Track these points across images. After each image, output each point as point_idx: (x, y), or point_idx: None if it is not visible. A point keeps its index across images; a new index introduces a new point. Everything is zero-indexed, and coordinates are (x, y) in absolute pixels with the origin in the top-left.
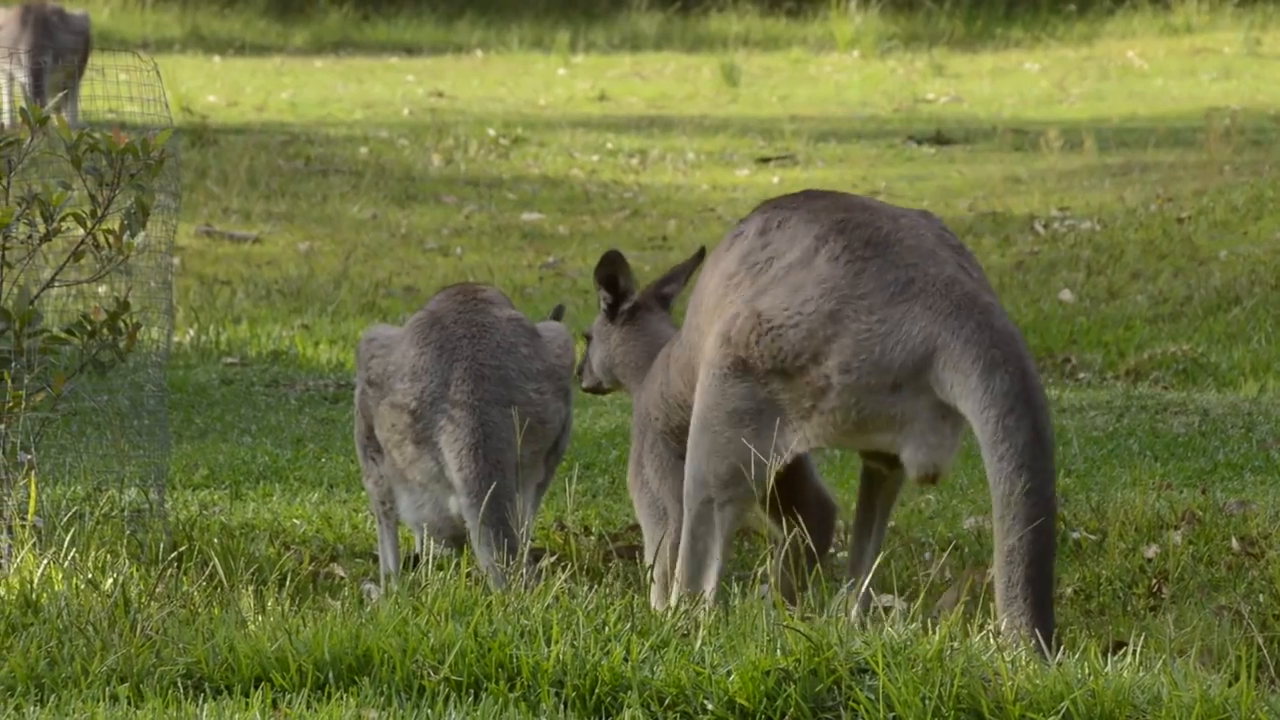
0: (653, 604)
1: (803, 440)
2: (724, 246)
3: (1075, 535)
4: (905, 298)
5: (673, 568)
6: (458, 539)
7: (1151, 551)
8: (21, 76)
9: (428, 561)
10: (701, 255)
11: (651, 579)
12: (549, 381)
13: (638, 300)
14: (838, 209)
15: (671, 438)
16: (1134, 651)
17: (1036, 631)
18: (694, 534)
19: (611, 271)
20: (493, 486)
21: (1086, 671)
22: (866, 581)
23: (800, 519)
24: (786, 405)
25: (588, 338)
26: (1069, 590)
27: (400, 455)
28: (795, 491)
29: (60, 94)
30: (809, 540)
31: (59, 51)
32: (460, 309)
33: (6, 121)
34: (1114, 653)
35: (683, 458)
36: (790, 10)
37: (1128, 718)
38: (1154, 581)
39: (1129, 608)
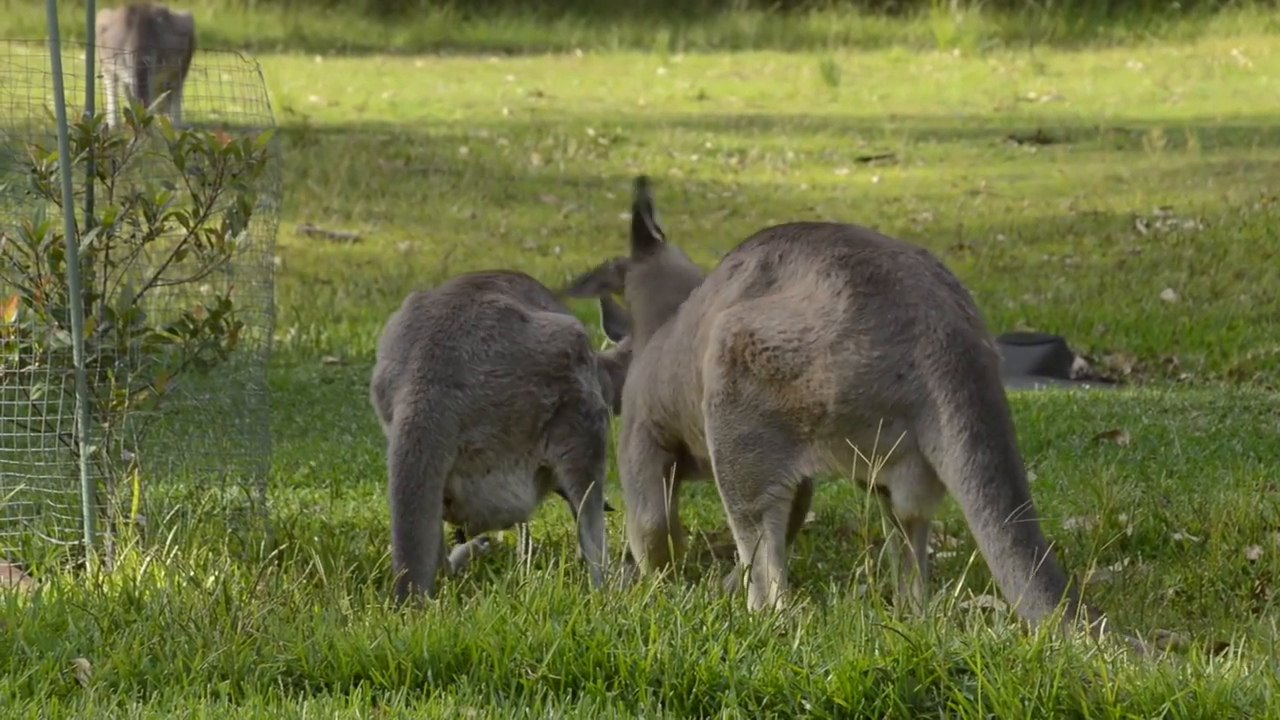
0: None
1: (806, 463)
2: (723, 275)
3: (1177, 536)
4: (906, 338)
5: (637, 547)
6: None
7: (1255, 553)
8: (126, 77)
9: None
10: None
11: (741, 582)
12: (511, 364)
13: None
14: (838, 243)
15: (654, 428)
16: (1236, 653)
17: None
18: (747, 542)
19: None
20: (404, 465)
21: (1188, 673)
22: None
23: None
24: (786, 426)
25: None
26: (1171, 592)
27: (387, 431)
28: None
29: (164, 94)
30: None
31: (163, 52)
32: (450, 291)
33: (111, 122)
34: (1216, 654)
35: (665, 448)
36: (891, 9)
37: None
38: (1257, 583)
39: (1231, 609)
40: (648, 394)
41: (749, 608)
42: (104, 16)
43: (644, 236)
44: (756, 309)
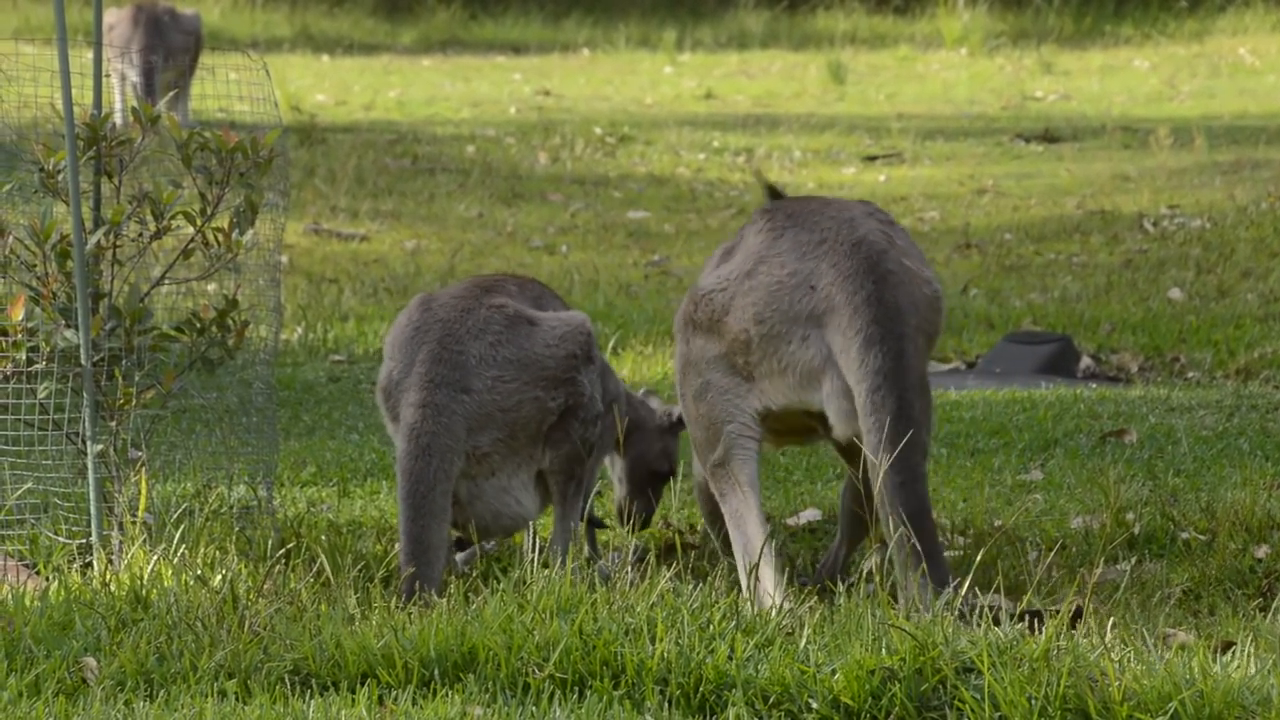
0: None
1: (759, 397)
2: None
3: (1184, 535)
4: (815, 255)
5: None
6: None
7: (1262, 552)
8: (133, 76)
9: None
10: None
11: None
12: (519, 370)
13: None
14: (782, 202)
15: None
16: (1243, 652)
17: (931, 583)
18: (721, 493)
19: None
20: (414, 470)
21: (1195, 672)
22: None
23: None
24: (729, 367)
25: None
26: (1178, 590)
27: (392, 432)
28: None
29: (171, 93)
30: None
31: (170, 51)
32: (458, 293)
33: (119, 120)
34: (1223, 653)
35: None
36: (898, 8)
37: (1236, 719)
38: (1264, 582)
39: (1238, 608)
40: None
41: (737, 557)
42: (111, 15)
43: None
44: (710, 271)
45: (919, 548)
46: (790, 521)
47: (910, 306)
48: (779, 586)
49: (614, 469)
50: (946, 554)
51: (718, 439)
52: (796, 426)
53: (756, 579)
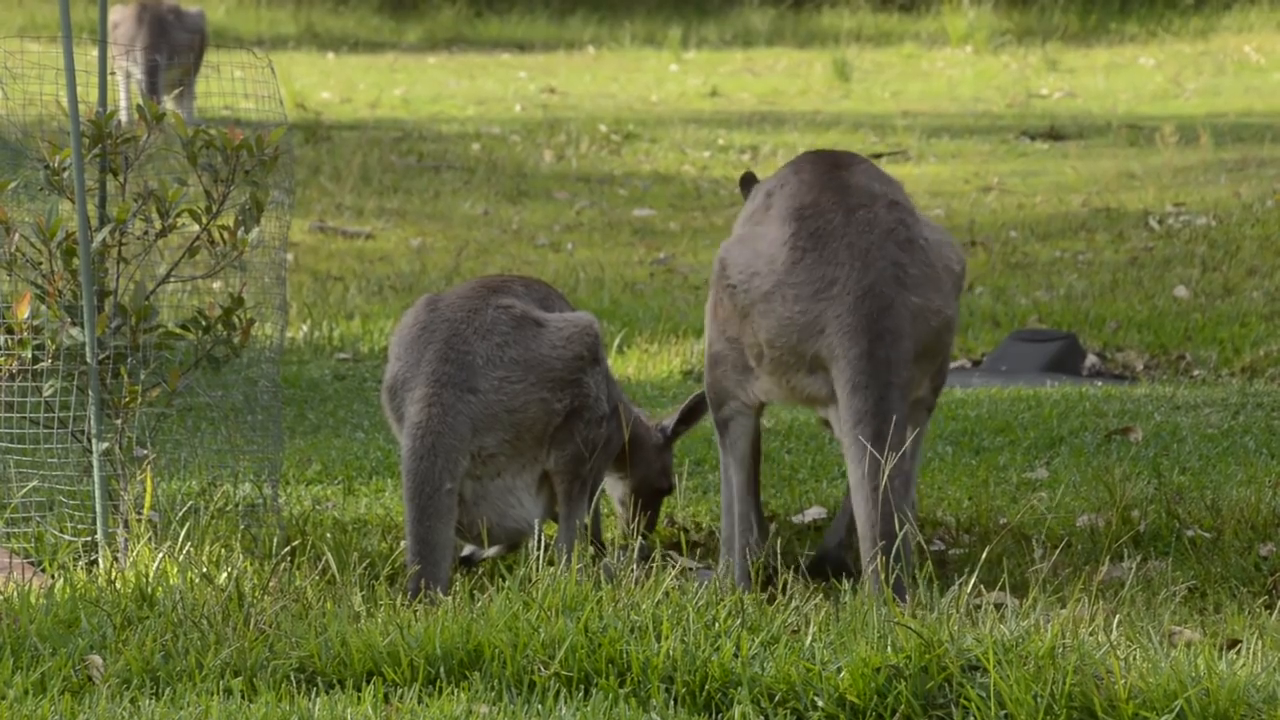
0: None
1: (763, 392)
2: (754, 192)
3: (1190, 533)
4: (825, 298)
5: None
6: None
7: (1267, 549)
8: (138, 74)
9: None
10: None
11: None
12: (526, 370)
13: None
14: (815, 188)
15: None
16: (1249, 650)
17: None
18: (722, 460)
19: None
20: (420, 469)
21: (1201, 670)
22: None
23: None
24: (741, 354)
25: None
26: (1183, 588)
27: (396, 432)
28: None
29: (176, 91)
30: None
31: (174, 49)
32: (462, 294)
33: (124, 118)
34: (1229, 651)
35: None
36: (903, 5)
37: (1242, 716)
38: (1270, 579)
39: (1244, 606)
40: None
41: (723, 507)
42: (115, 13)
43: None
44: (740, 240)
45: (885, 561)
46: (795, 519)
47: (905, 359)
48: (744, 566)
49: (614, 490)
50: (951, 552)
51: (721, 405)
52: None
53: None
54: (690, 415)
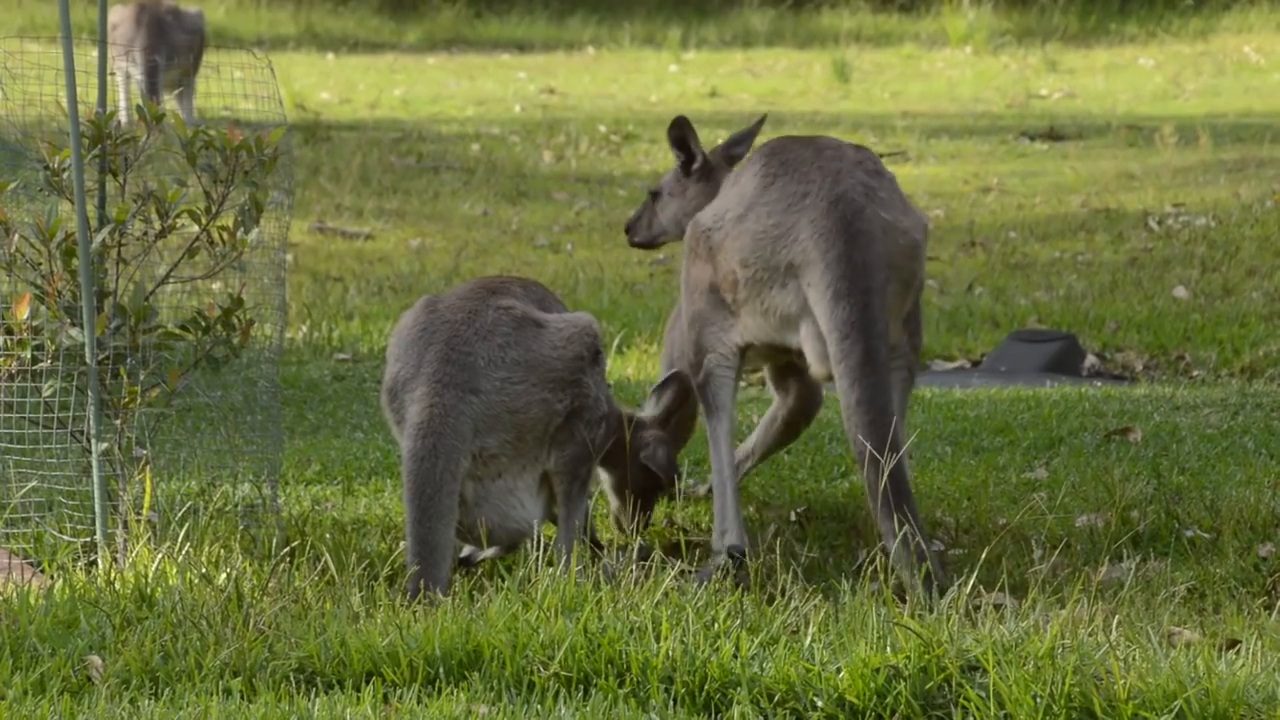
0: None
1: (740, 333)
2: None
3: (1189, 534)
4: (798, 209)
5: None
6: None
7: (1266, 550)
8: (137, 75)
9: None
10: (763, 120)
11: None
12: (527, 371)
13: (709, 159)
14: (783, 141)
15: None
16: (1248, 650)
17: (904, 520)
18: (705, 411)
19: (681, 134)
20: (421, 470)
21: (1200, 670)
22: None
23: (790, 398)
24: (719, 301)
25: (655, 195)
26: (1183, 589)
27: (396, 434)
28: (793, 376)
29: (175, 91)
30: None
31: (173, 50)
32: (462, 296)
33: (123, 119)
34: (1228, 651)
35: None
36: (903, 6)
37: (1242, 717)
38: (1269, 580)
39: (1243, 606)
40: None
41: (713, 471)
42: (114, 14)
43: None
44: (714, 206)
45: (891, 490)
46: (793, 517)
47: (881, 263)
48: (737, 518)
49: (608, 484)
50: (951, 552)
51: (701, 364)
52: (777, 359)
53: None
54: (668, 395)
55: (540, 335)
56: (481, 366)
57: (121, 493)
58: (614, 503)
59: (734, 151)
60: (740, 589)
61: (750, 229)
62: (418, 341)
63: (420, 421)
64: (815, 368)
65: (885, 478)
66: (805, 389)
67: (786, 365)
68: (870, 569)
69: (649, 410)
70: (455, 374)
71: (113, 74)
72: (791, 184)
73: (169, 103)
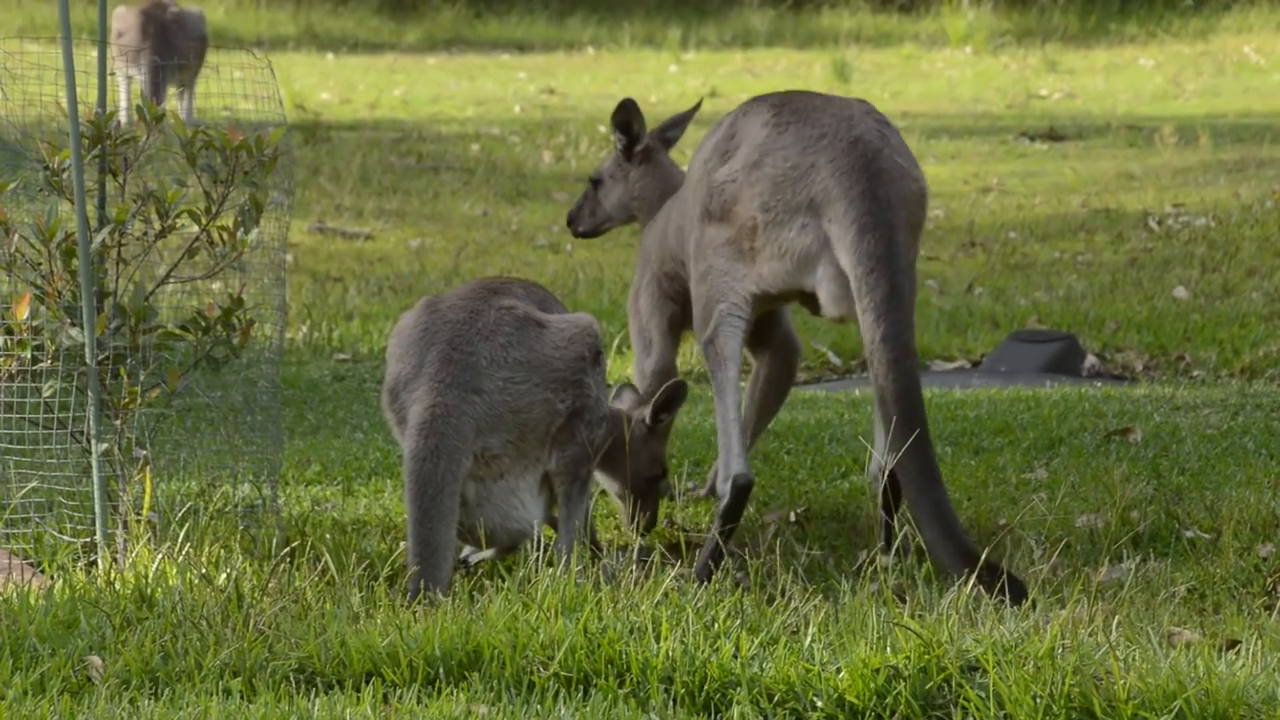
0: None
1: (756, 281)
2: (706, 137)
3: (1189, 534)
4: (815, 150)
5: (653, 389)
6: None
7: (1266, 550)
8: (139, 77)
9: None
10: (699, 106)
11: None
12: (529, 371)
13: (648, 143)
14: (787, 96)
15: (665, 279)
16: (1248, 651)
17: (917, 467)
18: (710, 369)
19: (626, 117)
20: (423, 471)
21: (1200, 670)
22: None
23: (769, 355)
24: (735, 252)
25: (596, 182)
26: (1183, 589)
27: (397, 435)
28: (768, 332)
29: (171, 91)
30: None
31: (177, 53)
32: (462, 296)
33: (124, 119)
34: (1228, 651)
35: (671, 299)
36: (902, 6)
37: (1241, 717)
38: (1269, 580)
39: (1243, 607)
40: (660, 248)
41: (718, 423)
42: (119, 20)
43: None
44: (707, 163)
45: (905, 430)
46: (793, 517)
47: (900, 201)
48: (743, 451)
49: (610, 488)
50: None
51: (710, 316)
52: (786, 304)
53: (730, 445)
54: (669, 403)
55: (542, 335)
56: (484, 366)
57: (121, 493)
58: (623, 506)
59: (669, 135)
60: (740, 589)
61: (769, 174)
62: (419, 342)
63: (422, 421)
64: (829, 308)
65: (904, 419)
66: (783, 338)
67: (765, 319)
68: (870, 569)
69: (624, 403)
70: (458, 374)
71: (112, 74)
72: (805, 129)
73: (170, 103)
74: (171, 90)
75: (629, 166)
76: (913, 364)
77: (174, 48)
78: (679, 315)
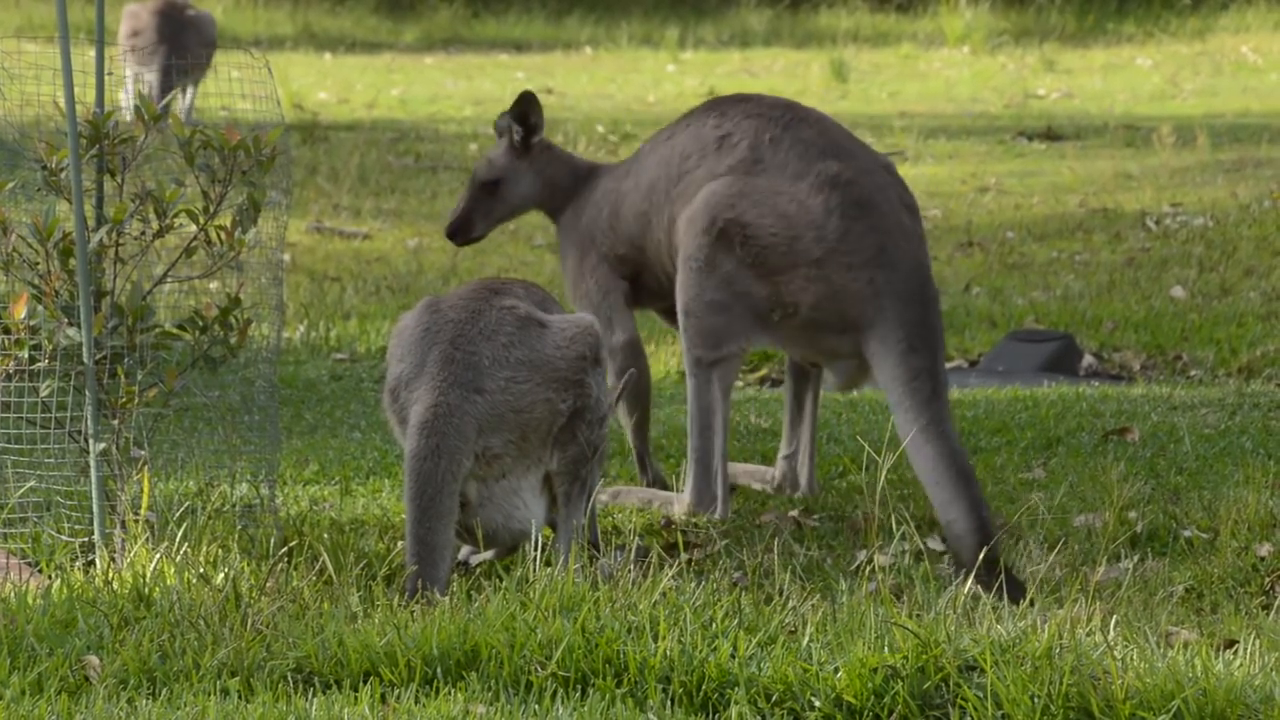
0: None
1: (766, 339)
2: (710, 142)
3: (1187, 534)
4: (878, 264)
5: (624, 365)
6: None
7: (1264, 550)
8: (149, 75)
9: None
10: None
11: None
12: (531, 371)
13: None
14: (826, 155)
15: (617, 262)
16: (1246, 650)
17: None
18: (699, 393)
19: (525, 109)
20: (423, 470)
21: (1198, 670)
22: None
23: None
24: (756, 308)
25: (492, 183)
26: (1180, 589)
27: (398, 435)
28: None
29: (174, 91)
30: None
31: (190, 52)
32: (463, 296)
33: (128, 117)
34: (1226, 651)
35: (623, 277)
36: (900, 6)
37: (1240, 717)
38: (1267, 580)
39: (1241, 606)
40: (610, 232)
41: (701, 440)
42: (134, 20)
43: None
44: (748, 197)
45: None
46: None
47: (942, 330)
48: (723, 477)
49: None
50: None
51: (716, 348)
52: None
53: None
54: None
55: (544, 335)
56: (486, 366)
57: (119, 493)
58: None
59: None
60: (738, 589)
61: (830, 279)
62: (420, 341)
63: (423, 421)
64: (834, 383)
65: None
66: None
67: None
68: (868, 569)
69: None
70: (460, 373)
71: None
72: (868, 234)
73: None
74: (169, 98)
75: (529, 159)
76: (956, 452)
77: (188, 49)
78: (630, 291)
